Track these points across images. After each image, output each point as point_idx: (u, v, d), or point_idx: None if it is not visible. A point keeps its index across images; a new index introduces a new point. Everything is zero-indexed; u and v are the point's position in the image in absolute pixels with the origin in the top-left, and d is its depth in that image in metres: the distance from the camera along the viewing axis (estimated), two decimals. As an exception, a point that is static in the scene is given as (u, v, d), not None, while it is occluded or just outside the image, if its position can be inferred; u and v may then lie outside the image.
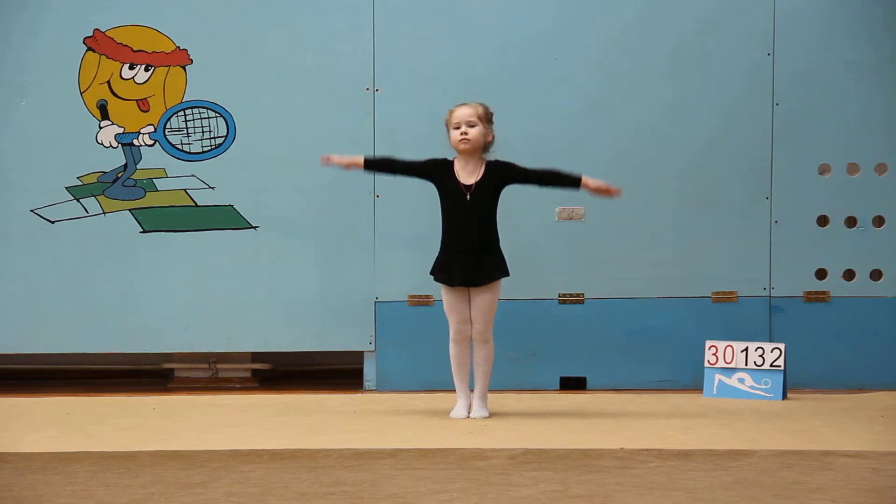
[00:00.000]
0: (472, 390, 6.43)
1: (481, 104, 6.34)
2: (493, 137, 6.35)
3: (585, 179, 6.31)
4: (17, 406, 6.87)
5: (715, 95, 7.37)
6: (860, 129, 7.38)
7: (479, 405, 6.37)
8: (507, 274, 6.34)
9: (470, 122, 6.26)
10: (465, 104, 6.32)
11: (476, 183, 6.27)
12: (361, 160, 6.45)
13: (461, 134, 6.25)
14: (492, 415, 6.39)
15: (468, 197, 6.26)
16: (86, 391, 7.39)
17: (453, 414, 6.38)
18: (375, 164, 6.51)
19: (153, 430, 6.10)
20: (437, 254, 6.38)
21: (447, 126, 6.34)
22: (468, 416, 6.35)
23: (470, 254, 6.26)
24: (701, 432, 5.98)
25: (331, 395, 7.19)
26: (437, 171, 6.34)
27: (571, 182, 6.35)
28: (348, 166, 6.47)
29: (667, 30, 7.37)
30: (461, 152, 6.30)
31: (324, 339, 7.45)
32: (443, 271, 6.33)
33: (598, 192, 6.35)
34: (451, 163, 6.35)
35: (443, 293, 6.36)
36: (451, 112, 6.33)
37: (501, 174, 6.32)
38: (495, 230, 6.34)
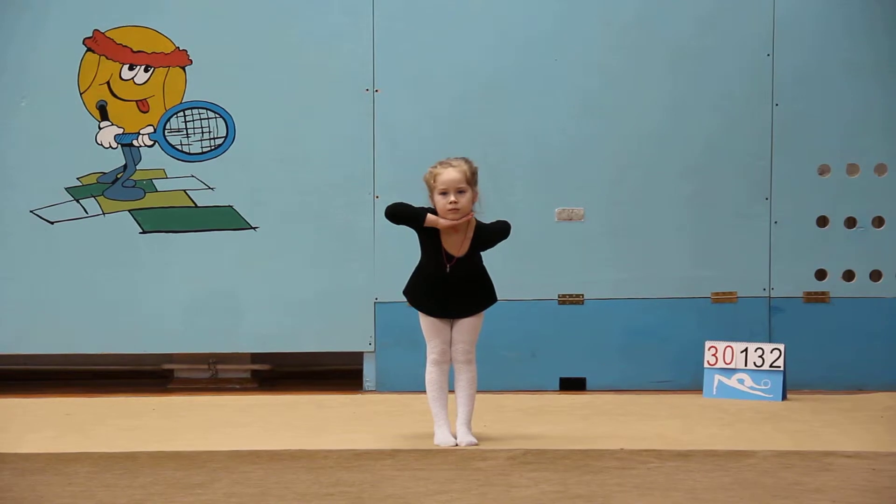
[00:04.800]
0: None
1: (465, 161, 5.64)
2: (478, 196, 5.66)
3: None
4: (17, 406, 6.87)
5: (715, 95, 7.37)
6: (860, 129, 7.38)
7: (466, 432, 5.68)
8: (495, 301, 5.78)
9: (459, 188, 5.56)
10: (450, 166, 5.59)
11: (458, 259, 5.63)
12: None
13: (450, 203, 5.54)
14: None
15: (447, 268, 5.64)
16: (86, 391, 7.39)
17: (439, 441, 5.66)
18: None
19: (153, 430, 6.10)
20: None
21: (429, 186, 5.64)
22: (456, 444, 5.62)
23: (452, 292, 5.66)
24: (701, 432, 5.98)
25: (331, 396, 7.19)
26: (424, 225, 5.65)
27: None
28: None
29: (667, 30, 7.36)
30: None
31: (324, 340, 7.45)
32: (425, 298, 5.71)
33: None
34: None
35: (422, 317, 5.75)
36: (435, 174, 5.61)
37: (482, 239, 5.68)
38: (481, 268, 5.72)
